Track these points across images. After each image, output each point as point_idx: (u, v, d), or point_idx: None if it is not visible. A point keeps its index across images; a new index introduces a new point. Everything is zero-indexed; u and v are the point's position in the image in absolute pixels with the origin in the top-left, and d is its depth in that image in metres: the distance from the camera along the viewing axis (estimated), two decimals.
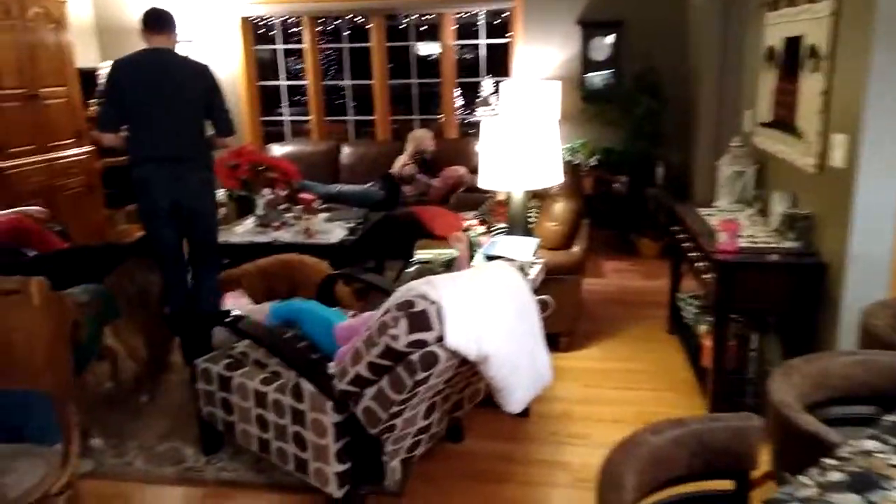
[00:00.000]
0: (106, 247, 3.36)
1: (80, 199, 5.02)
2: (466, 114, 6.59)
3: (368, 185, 5.55)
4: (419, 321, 1.99)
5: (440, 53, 6.21)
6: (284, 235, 4.17)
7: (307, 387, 2.27)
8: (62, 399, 1.96)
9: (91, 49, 5.94)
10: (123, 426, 2.96)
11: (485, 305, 2.13)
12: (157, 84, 3.27)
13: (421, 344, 2.01)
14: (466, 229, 3.01)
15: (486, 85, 5.97)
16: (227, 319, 2.55)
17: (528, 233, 3.00)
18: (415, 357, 2.00)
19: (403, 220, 5.07)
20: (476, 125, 7.88)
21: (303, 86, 6.43)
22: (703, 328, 3.07)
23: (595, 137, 5.60)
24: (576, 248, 3.48)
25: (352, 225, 4.39)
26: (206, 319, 2.77)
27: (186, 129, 3.34)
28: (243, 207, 4.79)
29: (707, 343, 2.88)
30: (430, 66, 7.69)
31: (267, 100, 6.56)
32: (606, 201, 5.32)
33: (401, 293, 2.11)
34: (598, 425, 2.89)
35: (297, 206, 4.46)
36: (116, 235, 5.80)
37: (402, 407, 2.10)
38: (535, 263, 2.83)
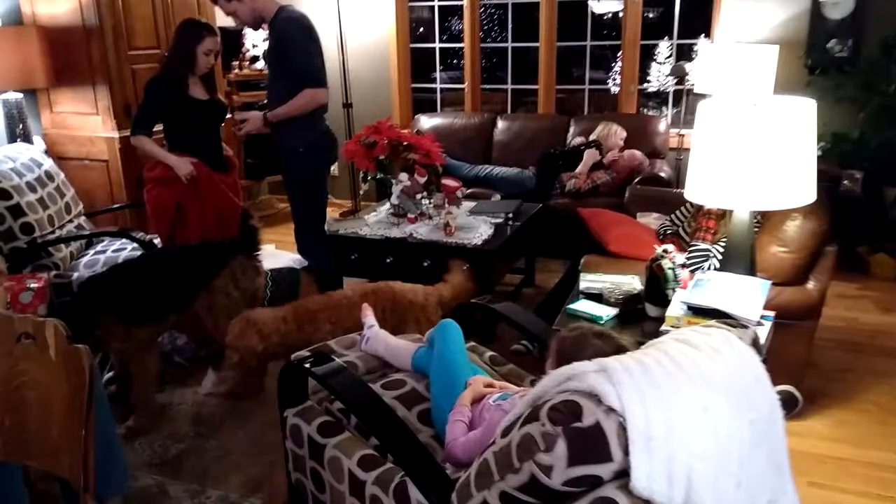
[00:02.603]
0: (205, 246, 2.84)
1: None
2: (646, 83, 5.53)
3: (519, 169, 4.73)
4: (588, 445, 1.20)
5: (622, 10, 5.16)
6: (421, 230, 3.49)
7: (415, 493, 1.57)
8: (76, 490, 1.40)
9: None
10: (210, 465, 2.46)
11: (699, 415, 1.29)
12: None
13: (589, 482, 1.22)
14: (661, 256, 2.12)
15: (663, 48, 4.87)
16: (308, 364, 1.90)
17: (752, 268, 2.06)
18: None
19: (566, 214, 4.23)
20: (656, 97, 6.75)
21: (459, 49, 5.69)
22: None
23: (821, 119, 4.34)
24: (811, 285, 2.48)
25: (500, 220, 3.62)
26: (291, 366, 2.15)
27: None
28: (381, 191, 4.18)
29: None
30: (602, 26, 6.65)
31: (419, 65, 5.89)
32: (830, 202, 4.10)
33: (556, 381, 1.33)
34: None
35: (439, 193, 3.77)
36: (257, 207, 5.48)
37: None
38: (764, 320, 1.90)
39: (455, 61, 6.53)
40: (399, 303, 2.72)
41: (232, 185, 3.56)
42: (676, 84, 4.81)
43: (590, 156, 4.45)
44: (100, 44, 3.83)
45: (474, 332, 2.61)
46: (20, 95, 3.76)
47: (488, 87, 5.79)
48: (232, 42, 5.08)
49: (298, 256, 3.60)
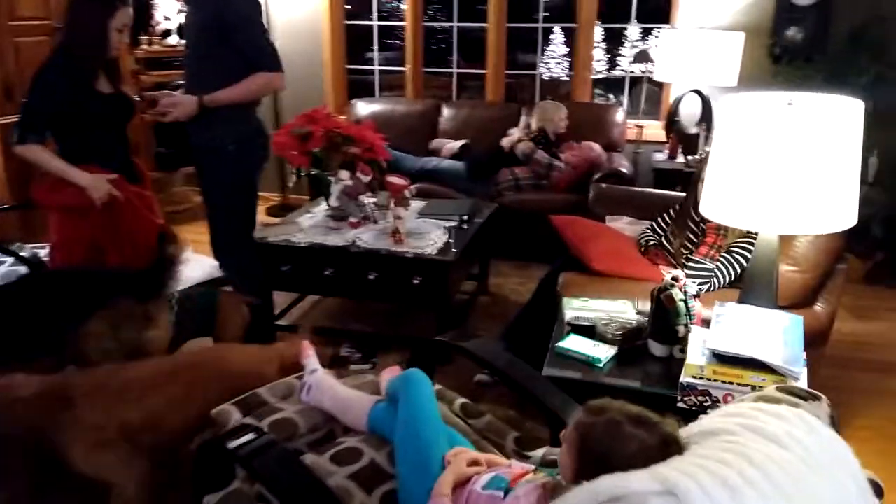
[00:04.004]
0: (85, 276, 2.26)
1: None
2: (605, 70, 5.20)
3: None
4: None
5: None
6: (365, 236, 3.03)
7: None
8: None
9: None
10: None
11: None
12: None
13: None
14: (669, 286, 1.75)
15: (633, 32, 4.56)
16: (236, 444, 1.44)
17: (775, 299, 1.72)
18: None
19: (516, 210, 3.87)
20: (615, 84, 6.36)
21: (398, 27, 5.19)
22: None
23: None
24: (820, 307, 2.18)
25: (454, 224, 3.20)
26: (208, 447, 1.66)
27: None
28: (316, 189, 3.68)
29: None
30: (549, 8, 6.29)
31: (353, 44, 5.36)
32: None
33: (591, 499, 0.94)
34: None
35: (384, 192, 3.32)
36: (170, 201, 4.87)
37: None
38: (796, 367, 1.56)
39: (391, 41, 6.04)
40: (228, 379, 1.91)
41: (148, 201, 2.75)
42: (637, 72, 4.50)
43: (537, 114, 4.17)
44: None
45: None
46: None
47: (432, 70, 5.31)
48: (138, 12, 4.41)
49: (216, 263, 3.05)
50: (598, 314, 1.92)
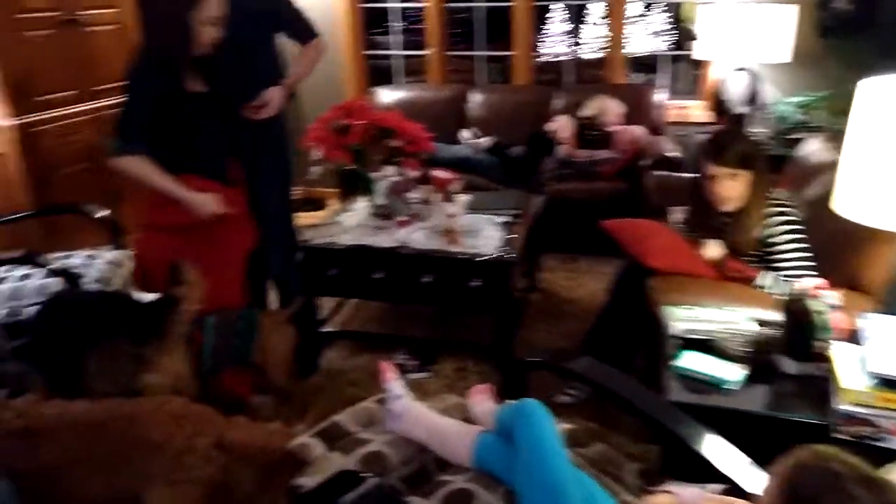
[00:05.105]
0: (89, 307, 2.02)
1: None
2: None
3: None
4: None
5: None
6: (415, 236, 2.84)
7: None
8: None
9: None
10: None
11: None
12: None
13: None
14: (802, 296, 1.57)
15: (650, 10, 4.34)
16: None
17: None
18: None
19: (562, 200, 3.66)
20: (650, 64, 6.07)
21: (418, 9, 4.94)
22: None
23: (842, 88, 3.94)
24: None
25: (508, 219, 3.00)
26: None
27: None
28: (350, 185, 3.46)
29: None
30: None
31: (369, 26, 5.11)
32: None
33: None
34: None
35: (426, 186, 3.12)
36: None
37: None
38: None
39: (407, 25, 5.78)
40: (131, 447, 1.52)
41: (241, 211, 2.46)
42: (675, 49, 4.29)
43: (592, 109, 3.93)
44: None
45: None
46: None
47: (454, 52, 5.07)
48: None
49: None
50: (714, 326, 1.74)
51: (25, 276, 2.56)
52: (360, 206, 3.19)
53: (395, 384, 1.77)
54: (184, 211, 2.21)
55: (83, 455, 1.49)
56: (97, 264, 2.70)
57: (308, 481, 1.53)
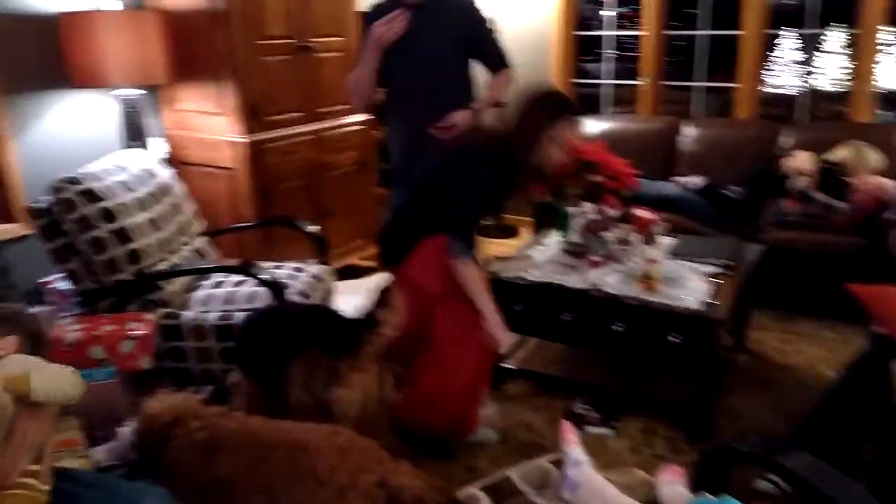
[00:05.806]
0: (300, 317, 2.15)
1: (349, 178, 4.03)
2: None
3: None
4: None
5: None
6: (609, 279, 2.66)
7: None
8: None
9: None
10: None
11: None
12: None
13: None
14: None
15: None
16: None
17: None
18: None
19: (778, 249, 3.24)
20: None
21: (633, 37, 4.73)
22: None
23: None
24: None
25: (718, 269, 2.71)
26: None
27: None
28: (543, 218, 3.36)
29: None
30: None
31: (579, 54, 4.98)
32: None
33: None
34: None
35: (626, 226, 2.92)
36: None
37: None
38: None
39: (619, 54, 5.57)
40: (296, 475, 1.50)
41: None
42: None
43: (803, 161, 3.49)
44: (226, 32, 3.26)
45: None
46: (141, 92, 3.25)
47: (673, 84, 4.78)
48: None
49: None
50: None
51: (240, 283, 2.79)
52: (553, 242, 3.07)
53: (575, 449, 1.63)
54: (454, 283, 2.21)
55: (251, 473, 1.53)
56: (302, 277, 2.87)
57: None
